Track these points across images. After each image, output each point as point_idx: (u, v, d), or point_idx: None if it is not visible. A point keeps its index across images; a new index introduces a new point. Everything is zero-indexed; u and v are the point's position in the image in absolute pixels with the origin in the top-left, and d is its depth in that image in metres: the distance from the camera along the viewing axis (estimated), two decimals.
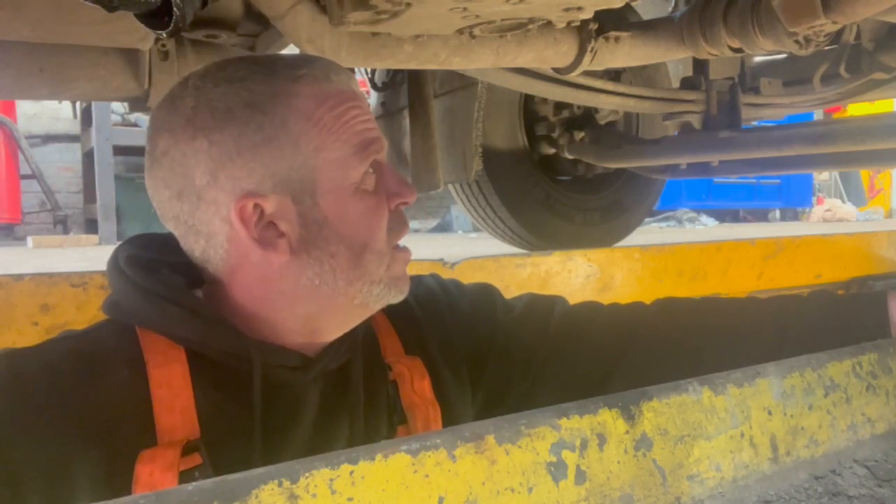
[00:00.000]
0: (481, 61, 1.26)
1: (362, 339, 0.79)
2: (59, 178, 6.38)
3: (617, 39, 1.40)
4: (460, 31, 1.15)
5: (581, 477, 0.49)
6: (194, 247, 0.72)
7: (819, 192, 9.55)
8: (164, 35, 0.73)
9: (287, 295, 0.71)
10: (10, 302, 1.35)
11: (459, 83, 2.01)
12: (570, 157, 2.29)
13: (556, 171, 2.39)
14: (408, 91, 1.97)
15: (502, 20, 1.10)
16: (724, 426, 0.56)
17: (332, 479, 0.41)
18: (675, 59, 1.93)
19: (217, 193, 0.68)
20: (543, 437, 0.48)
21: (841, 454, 0.64)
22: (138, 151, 4.27)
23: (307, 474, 0.40)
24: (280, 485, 0.39)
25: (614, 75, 2.14)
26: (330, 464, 0.41)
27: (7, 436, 0.62)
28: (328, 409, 0.75)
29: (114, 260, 0.73)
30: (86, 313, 1.40)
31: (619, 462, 0.51)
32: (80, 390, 0.65)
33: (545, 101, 2.25)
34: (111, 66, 1.36)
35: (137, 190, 5.42)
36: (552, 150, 2.31)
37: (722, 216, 7.96)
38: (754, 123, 2.19)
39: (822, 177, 9.68)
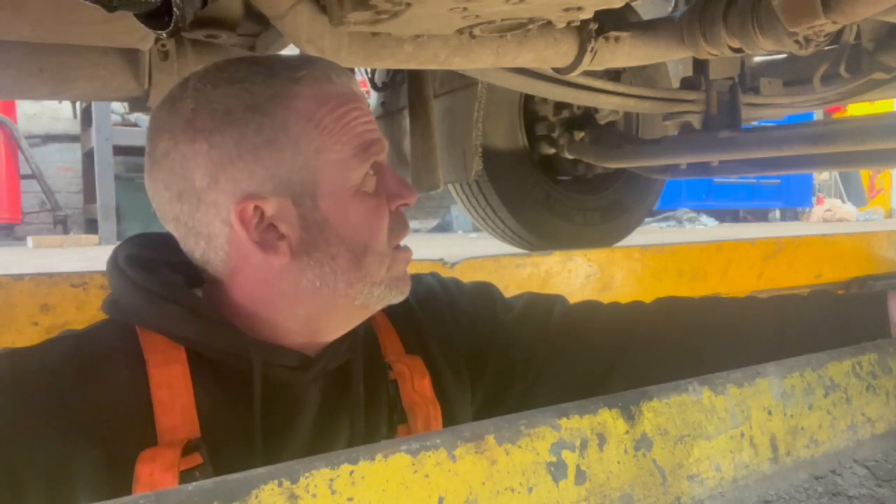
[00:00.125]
0: (481, 61, 1.26)
1: (362, 339, 0.79)
2: (59, 178, 6.38)
3: (617, 39, 1.40)
4: (460, 31, 1.15)
5: (581, 477, 0.49)
6: (194, 248, 0.71)
7: (819, 192, 9.55)
8: (164, 35, 0.73)
9: (287, 296, 0.71)
10: (10, 302, 1.35)
11: (459, 83, 2.01)
12: (570, 157, 2.29)
13: (556, 171, 2.38)
14: (408, 91, 1.96)
15: (502, 20, 1.10)
16: (724, 426, 0.56)
17: (332, 479, 0.41)
18: (675, 59, 1.93)
19: (217, 195, 0.67)
20: (543, 437, 0.48)
21: (841, 454, 0.64)
22: (138, 151, 4.27)
23: (307, 474, 0.40)
24: (280, 485, 0.39)
25: (614, 75, 2.14)
26: (330, 464, 0.41)
27: (7, 436, 0.62)
28: (328, 409, 0.75)
29: (113, 259, 0.73)
30: (86, 313, 1.40)
31: (619, 462, 0.51)
32: (80, 390, 0.65)
33: (545, 101, 2.25)
34: (111, 66, 1.36)
35: (137, 190, 5.42)
36: (552, 150, 2.31)
37: (722, 216, 7.96)
38: (754, 123, 2.19)
39: (822, 177, 9.68)
